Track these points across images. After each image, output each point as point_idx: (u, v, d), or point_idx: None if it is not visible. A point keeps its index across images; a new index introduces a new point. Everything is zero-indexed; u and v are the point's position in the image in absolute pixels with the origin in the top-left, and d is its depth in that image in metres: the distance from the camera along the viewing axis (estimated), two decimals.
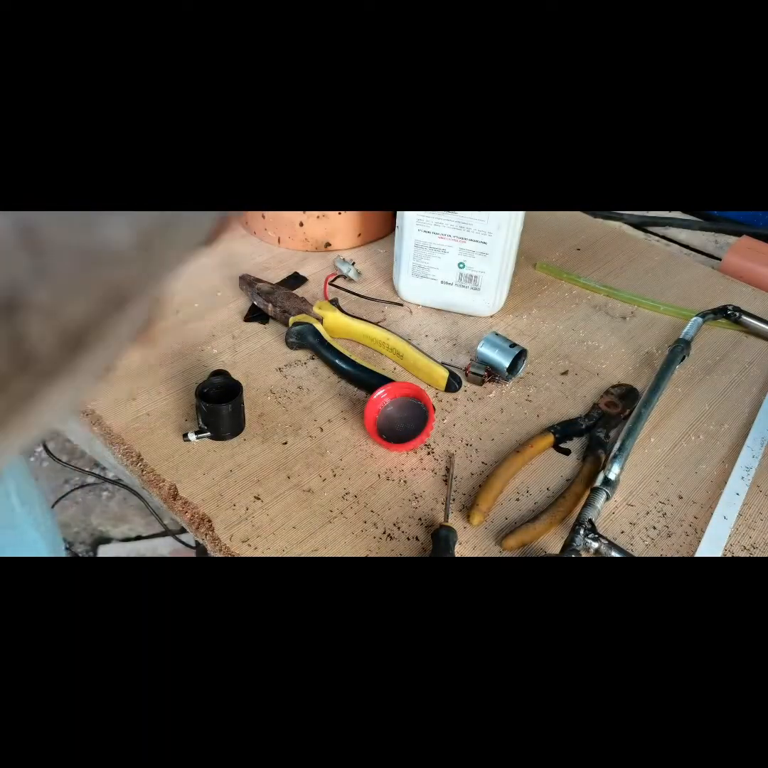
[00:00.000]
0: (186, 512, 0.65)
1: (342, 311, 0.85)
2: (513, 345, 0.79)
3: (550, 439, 0.72)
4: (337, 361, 0.79)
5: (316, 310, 0.84)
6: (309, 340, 0.81)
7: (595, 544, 0.58)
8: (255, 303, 0.88)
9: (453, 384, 0.79)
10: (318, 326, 0.81)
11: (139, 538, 1.50)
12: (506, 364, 0.78)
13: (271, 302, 0.86)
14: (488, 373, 0.79)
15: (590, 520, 0.59)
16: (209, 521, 0.64)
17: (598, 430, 0.73)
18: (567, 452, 0.73)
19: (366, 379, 0.77)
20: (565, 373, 0.82)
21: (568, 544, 0.58)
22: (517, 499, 0.68)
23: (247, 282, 0.90)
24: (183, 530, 1.47)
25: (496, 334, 0.80)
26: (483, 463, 0.71)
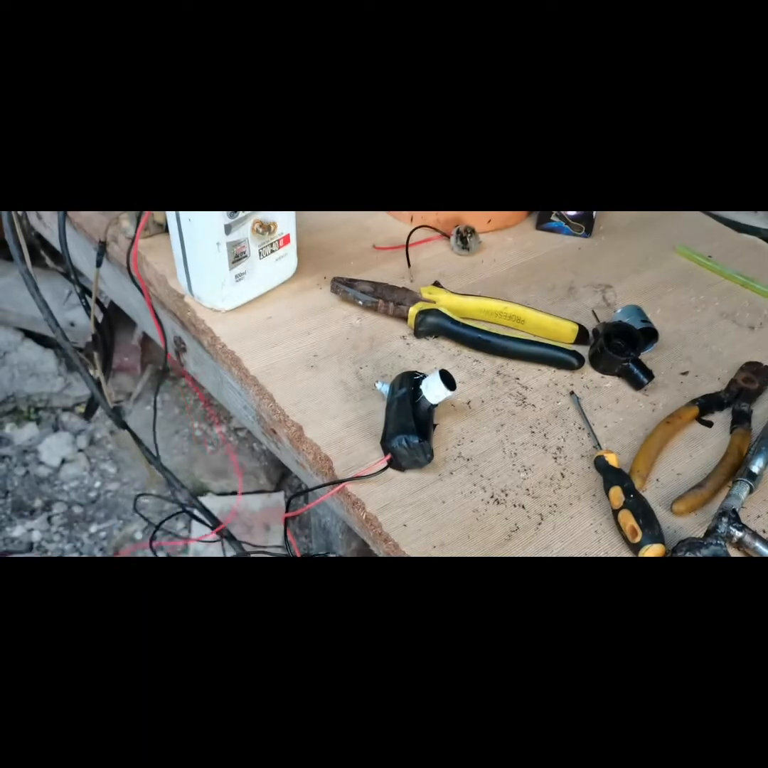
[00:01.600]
0: (310, 452, 0.70)
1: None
2: (646, 320, 0.81)
3: (694, 411, 0.76)
4: (487, 338, 0.79)
5: (426, 295, 0.83)
6: (442, 325, 0.80)
7: (739, 533, 0.58)
8: (360, 302, 0.83)
9: (583, 336, 0.81)
10: (442, 309, 0.80)
11: (234, 493, 1.58)
12: (638, 327, 0.80)
13: (381, 298, 0.83)
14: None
15: (734, 510, 0.60)
16: (329, 462, 0.68)
17: (740, 404, 0.77)
18: (710, 424, 0.76)
19: (528, 350, 0.80)
20: (685, 373, 0.82)
21: (711, 531, 0.59)
22: (673, 469, 0.71)
23: (343, 283, 0.84)
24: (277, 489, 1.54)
25: (639, 308, 0.83)
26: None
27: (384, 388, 0.71)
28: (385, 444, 0.66)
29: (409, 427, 0.65)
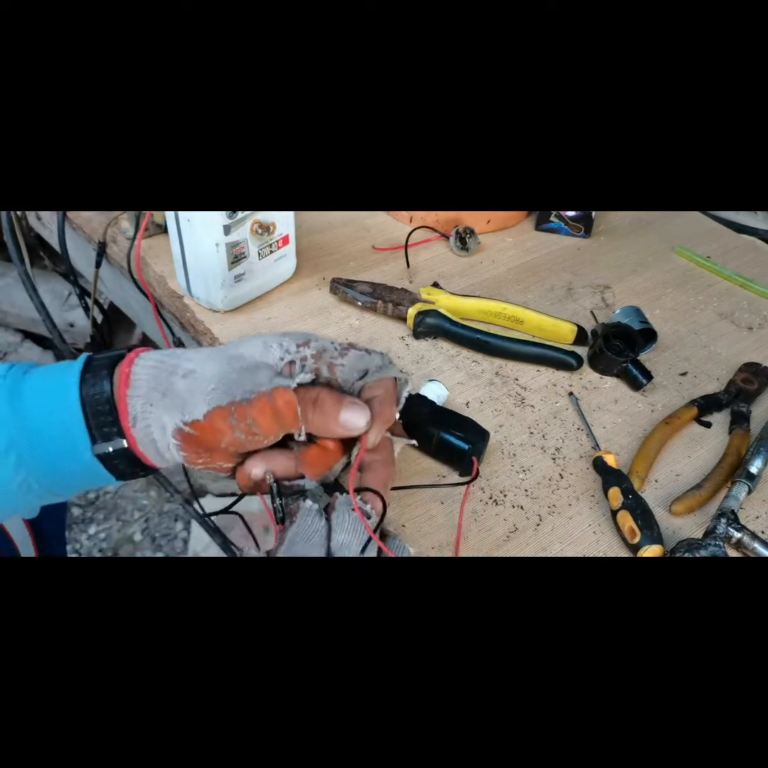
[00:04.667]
0: None
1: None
2: (644, 321, 0.81)
3: (693, 411, 0.76)
4: (486, 339, 0.79)
5: (425, 295, 0.83)
6: (441, 326, 0.80)
7: (738, 534, 0.58)
8: (359, 303, 0.83)
9: (582, 336, 0.81)
10: (441, 310, 0.80)
11: (233, 495, 1.58)
12: (636, 327, 0.80)
13: (380, 299, 0.83)
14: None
15: (733, 511, 0.60)
16: None
17: (739, 405, 0.77)
18: (708, 425, 0.76)
19: (526, 351, 0.80)
20: (684, 374, 0.82)
21: (710, 532, 0.58)
22: (671, 470, 0.71)
23: (342, 284, 0.84)
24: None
25: (638, 309, 0.83)
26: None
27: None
28: (472, 449, 0.65)
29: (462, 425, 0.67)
